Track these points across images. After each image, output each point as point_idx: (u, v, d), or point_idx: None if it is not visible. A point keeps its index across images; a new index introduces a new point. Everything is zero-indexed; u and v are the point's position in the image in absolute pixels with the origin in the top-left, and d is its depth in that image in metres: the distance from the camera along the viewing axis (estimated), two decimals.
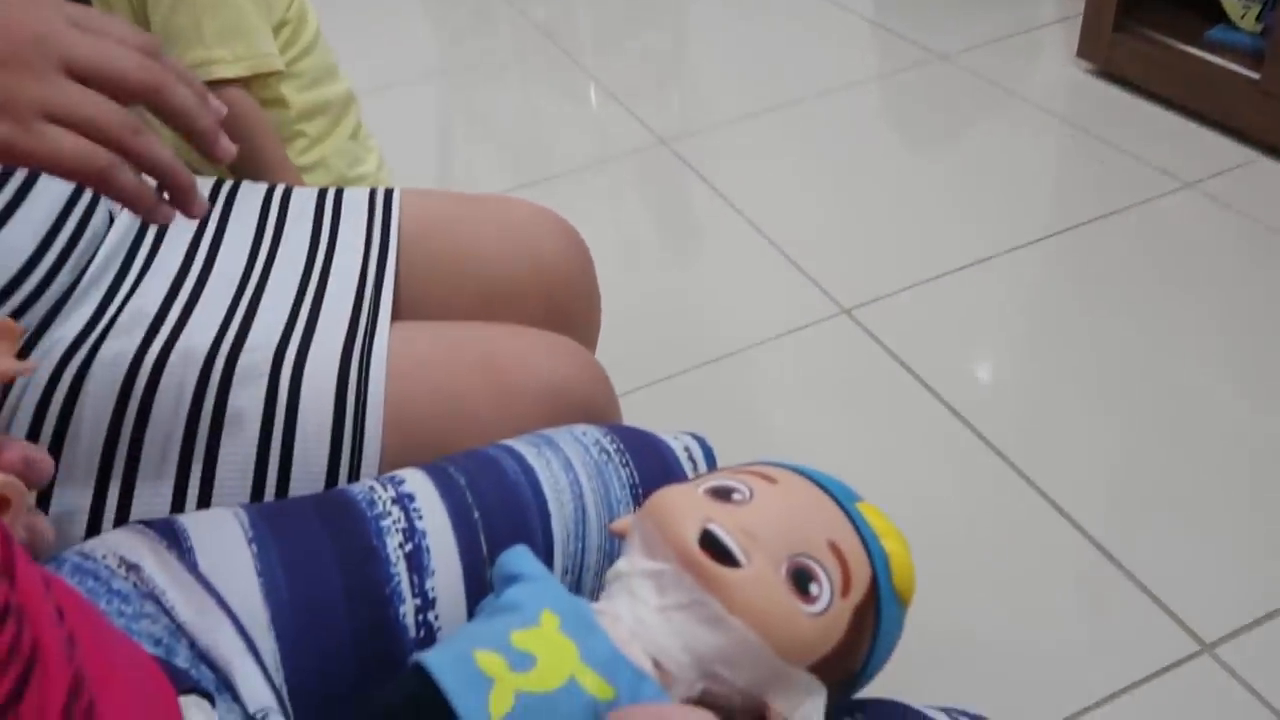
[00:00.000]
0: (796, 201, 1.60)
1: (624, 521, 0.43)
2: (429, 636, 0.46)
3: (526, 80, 2.22)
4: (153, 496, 0.52)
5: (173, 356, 0.56)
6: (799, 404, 1.24)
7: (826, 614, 0.38)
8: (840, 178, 1.65)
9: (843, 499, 0.42)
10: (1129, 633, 0.92)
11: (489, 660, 0.34)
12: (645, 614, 0.37)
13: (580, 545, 0.50)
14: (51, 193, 0.60)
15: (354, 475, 0.55)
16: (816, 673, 0.38)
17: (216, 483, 0.53)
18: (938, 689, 0.71)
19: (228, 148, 0.45)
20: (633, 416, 0.70)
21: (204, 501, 0.53)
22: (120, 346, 0.57)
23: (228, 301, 0.62)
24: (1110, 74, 1.75)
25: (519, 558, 0.41)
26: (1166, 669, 0.88)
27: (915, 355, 1.26)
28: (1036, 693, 0.88)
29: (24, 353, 0.56)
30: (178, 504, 0.52)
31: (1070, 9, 1.90)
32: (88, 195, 0.63)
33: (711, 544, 0.38)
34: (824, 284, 1.40)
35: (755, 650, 0.37)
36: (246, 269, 0.66)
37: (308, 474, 0.54)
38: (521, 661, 0.35)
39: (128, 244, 0.66)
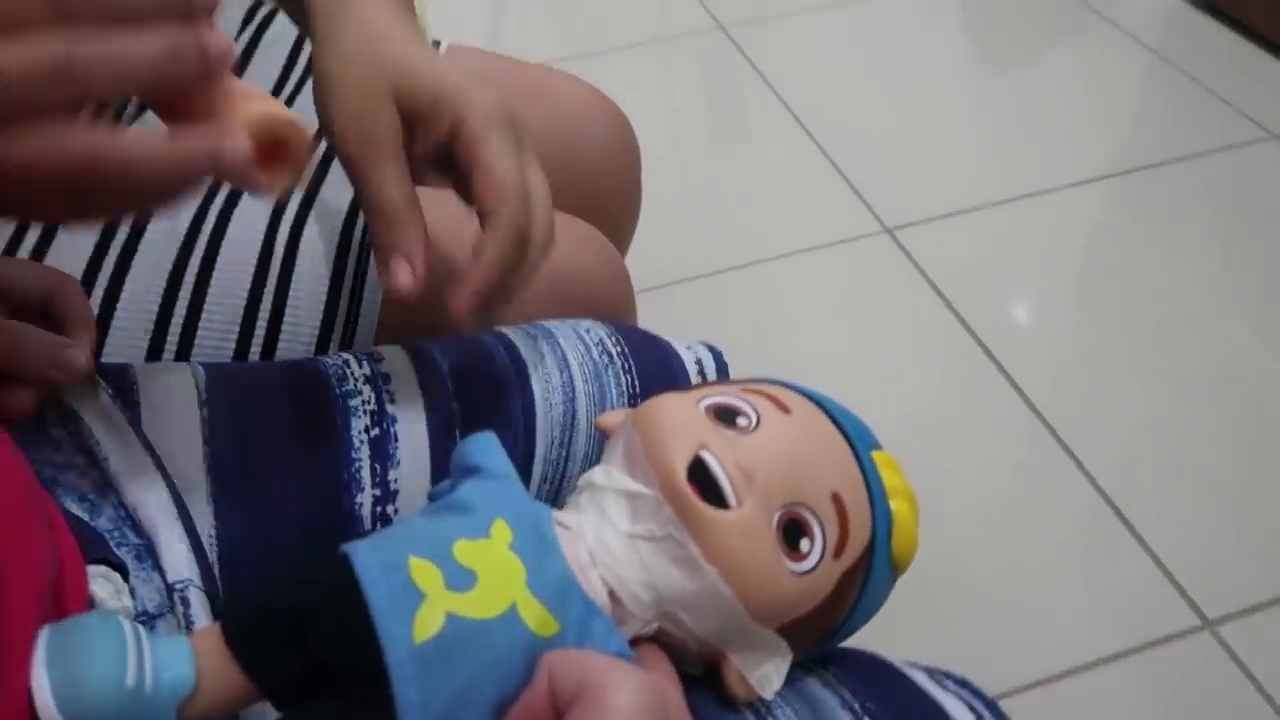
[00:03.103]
0: (852, 106, 1.52)
1: (613, 416, 0.38)
2: None
3: None
4: (128, 346, 0.49)
5: None
6: (824, 322, 1.19)
7: (812, 575, 0.34)
8: (903, 86, 1.56)
9: (858, 444, 0.37)
10: (1130, 598, 0.89)
11: (424, 571, 0.30)
12: (610, 538, 0.33)
13: (564, 454, 0.46)
14: None
15: (346, 348, 0.52)
16: (785, 633, 0.35)
17: (199, 335, 0.49)
18: (926, 631, 0.69)
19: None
20: (649, 314, 0.66)
21: (182, 355, 0.49)
22: None
23: None
24: (1214, 6, 1.62)
25: (483, 447, 0.36)
26: (1163, 640, 0.85)
27: (954, 286, 1.20)
28: (1026, 645, 0.86)
29: None
30: (154, 353, 0.49)
31: None
32: None
33: (701, 476, 0.33)
34: (869, 198, 1.33)
35: (725, 604, 0.33)
36: None
37: (295, 340, 0.51)
38: (460, 578, 0.30)
39: None
